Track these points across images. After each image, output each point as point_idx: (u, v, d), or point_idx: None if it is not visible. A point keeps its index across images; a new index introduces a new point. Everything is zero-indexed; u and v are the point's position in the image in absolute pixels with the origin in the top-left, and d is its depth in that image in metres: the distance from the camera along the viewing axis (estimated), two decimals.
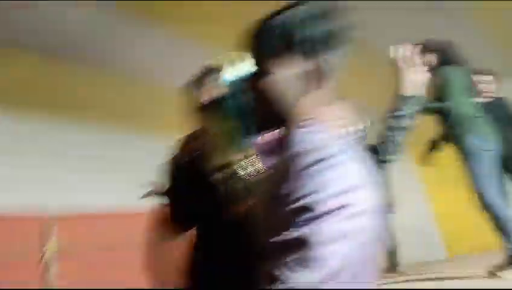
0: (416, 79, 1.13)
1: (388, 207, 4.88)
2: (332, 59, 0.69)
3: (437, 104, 2.55)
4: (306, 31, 0.68)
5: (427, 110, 2.58)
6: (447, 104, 2.52)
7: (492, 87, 2.86)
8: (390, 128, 1.12)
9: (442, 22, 3.41)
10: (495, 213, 2.35)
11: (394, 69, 1.14)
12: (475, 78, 2.80)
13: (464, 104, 2.55)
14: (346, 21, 0.72)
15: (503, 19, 3.48)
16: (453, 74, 2.56)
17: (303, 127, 0.67)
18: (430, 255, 5.30)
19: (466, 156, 2.48)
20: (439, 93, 2.56)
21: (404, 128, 1.12)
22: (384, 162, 1.11)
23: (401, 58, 1.13)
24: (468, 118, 2.55)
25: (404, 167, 5.55)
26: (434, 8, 3.29)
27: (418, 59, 1.13)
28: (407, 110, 1.11)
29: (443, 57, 2.59)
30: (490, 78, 2.87)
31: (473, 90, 2.64)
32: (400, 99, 1.12)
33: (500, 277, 2.30)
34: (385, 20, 3.39)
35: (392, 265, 4.68)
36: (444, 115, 2.58)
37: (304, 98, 0.68)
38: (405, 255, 4.88)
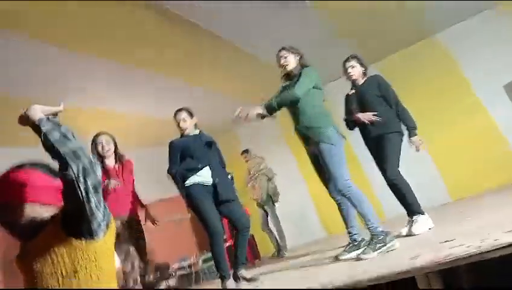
0: None
1: (273, 197, 5.15)
2: None
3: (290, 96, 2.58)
4: None
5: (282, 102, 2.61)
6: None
7: (358, 69, 3.06)
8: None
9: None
10: (352, 196, 2.49)
11: None
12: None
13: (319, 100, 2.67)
14: None
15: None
16: (314, 73, 2.68)
17: None
18: (312, 236, 5.79)
19: (328, 145, 2.54)
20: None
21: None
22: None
23: None
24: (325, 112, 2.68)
25: (284, 158, 5.92)
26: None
27: None
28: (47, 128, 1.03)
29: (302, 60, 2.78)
30: (353, 62, 3.05)
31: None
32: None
33: (341, 260, 2.50)
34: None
35: (278, 251, 4.95)
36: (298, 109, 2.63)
37: None
38: (290, 240, 5.22)
